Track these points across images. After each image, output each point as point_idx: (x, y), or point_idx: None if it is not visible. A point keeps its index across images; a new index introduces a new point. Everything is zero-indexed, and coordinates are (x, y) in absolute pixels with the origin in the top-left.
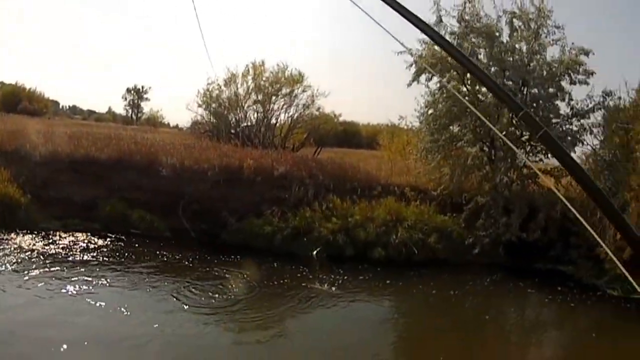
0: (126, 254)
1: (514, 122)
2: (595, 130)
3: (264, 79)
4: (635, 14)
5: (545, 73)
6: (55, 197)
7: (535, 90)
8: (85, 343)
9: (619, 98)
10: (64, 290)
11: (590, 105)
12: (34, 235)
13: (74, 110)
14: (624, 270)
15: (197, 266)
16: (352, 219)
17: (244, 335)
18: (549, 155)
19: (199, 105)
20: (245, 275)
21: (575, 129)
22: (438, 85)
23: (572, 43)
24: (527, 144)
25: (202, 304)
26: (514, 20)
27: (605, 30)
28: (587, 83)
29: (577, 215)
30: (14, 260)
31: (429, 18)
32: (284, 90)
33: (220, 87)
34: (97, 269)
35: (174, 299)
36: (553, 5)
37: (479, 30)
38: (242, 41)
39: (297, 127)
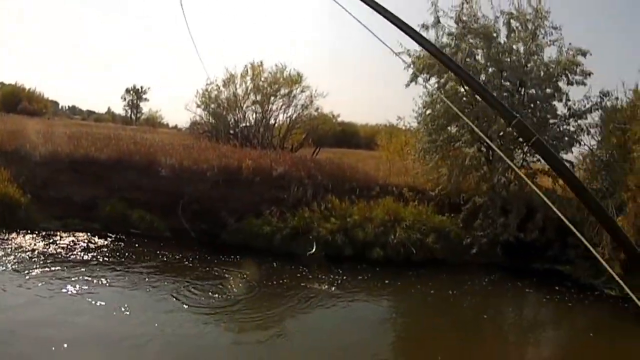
0: (126, 254)
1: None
2: (592, 130)
3: (262, 79)
4: (632, 14)
5: (542, 74)
6: (55, 197)
7: (533, 91)
8: (86, 343)
9: (616, 98)
10: (64, 290)
11: (587, 106)
12: (34, 235)
13: (73, 110)
14: (610, 270)
15: (197, 266)
16: (350, 219)
17: (244, 335)
18: None
19: (198, 106)
20: (244, 275)
21: (572, 129)
22: (436, 85)
23: (570, 44)
24: (524, 144)
25: (202, 303)
26: (512, 21)
27: (602, 31)
28: (584, 84)
29: (562, 217)
30: (15, 260)
31: (427, 19)
32: (283, 91)
33: (219, 88)
34: (97, 269)
35: (174, 299)
36: (550, 6)
37: (477, 31)
38: (242, 41)
39: (295, 128)
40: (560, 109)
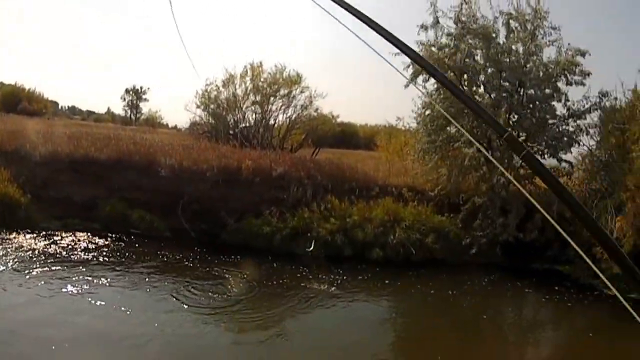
0: (126, 254)
1: (510, 122)
2: (591, 130)
3: (262, 80)
4: (631, 14)
5: (541, 74)
6: (55, 197)
7: (532, 91)
8: (86, 343)
9: (615, 99)
10: (64, 290)
11: (586, 106)
12: (34, 235)
13: (73, 110)
14: (597, 270)
15: (197, 266)
16: (350, 219)
17: (244, 335)
18: (546, 155)
19: (198, 106)
20: (244, 275)
21: (571, 129)
22: (435, 86)
23: (569, 44)
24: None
25: (202, 304)
26: (511, 21)
27: (601, 31)
28: (583, 84)
29: (550, 218)
30: (15, 260)
31: (426, 19)
32: (282, 91)
33: (219, 88)
34: (98, 269)
35: (174, 299)
36: (549, 7)
37: (476, 32)
38: (242, 41)
39: (295, 128)
40: (560, 109)
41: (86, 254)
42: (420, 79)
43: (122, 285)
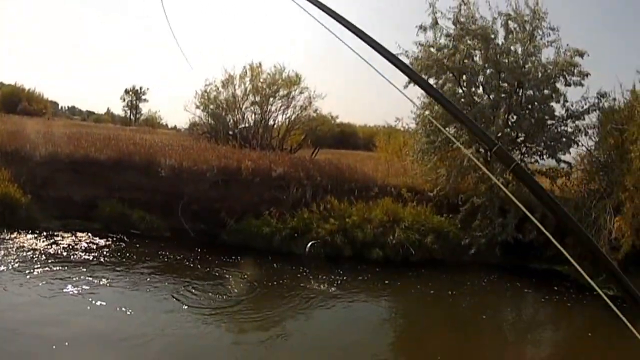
0: (127, 254)
1: (509, 123)
2: (590, 131)
3: (261, 80)
4: (630, 15)
5: (540, 75)
6: (56, 197)
7: (531, 92)
8: (87, 343)
9: (614, 99)
10: (65, 290)
11: (585, 107)
12: (35, 235)
13: (72, 111)
14: (580, 269)
15: (197, 266)
16: (349, 219)
17: (245, 336)
18: (545, 155)
19: (197, 107)
20: (245, 276)
21: (570, 130)
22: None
23: (567, 44)
24: (522, 145)
25: (203, 304)
26: (509, 22)
27: (600, 32)
28: (581, 84)
29: (537, 223)
30: (16, 260)
31: (425, 20)
32: (282, 92)
33: (218, 89)
34: (98, 269)
35: (175, 299)
36: (548, 7)
37: (475, 32)
38: (242, 41)
39: (294, 129)
40: (558, 110)
41: (86, 254)
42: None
43: (122, 286)
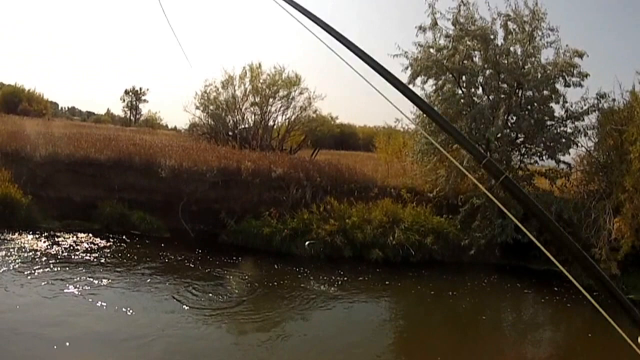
0: (127, 255)
1: (508, 124)
2: (589, 132)
3: (261, 81)
4: (629, 16)
5: (539, 75)
6: (56, 198)
7: (530, 93)
8: (87, 343)
9: (613, 100)
10: (66, 291)
11: (584, 108)
12: (35, 236)
13: (72, 111)
14: (564, 270)
15: (198, 267)
16: (349, 220)
17: (245, 336)
18: (544, 156)
19: (197, 107)
20: (245, 276)
21: (569, 131)
22: (434, 87)
23: (567, 45)
24: (522, 146)
25: (203, 305)
26: (509, 23)
27: (599, 33)
28: (581, 85)
29: (518, 224)
30: (17, 260)
31: (424, 21)
32: (281, 93)
33: (218, 90)
34: (99, 270)
35: (175, 300)
36: (547, 8)
37: (474, 33)
38: (242, 41)
39: (294, 129)
40: (558, 110)
41: (87, 254)
42: (418, 80)
43: (123, 286)
